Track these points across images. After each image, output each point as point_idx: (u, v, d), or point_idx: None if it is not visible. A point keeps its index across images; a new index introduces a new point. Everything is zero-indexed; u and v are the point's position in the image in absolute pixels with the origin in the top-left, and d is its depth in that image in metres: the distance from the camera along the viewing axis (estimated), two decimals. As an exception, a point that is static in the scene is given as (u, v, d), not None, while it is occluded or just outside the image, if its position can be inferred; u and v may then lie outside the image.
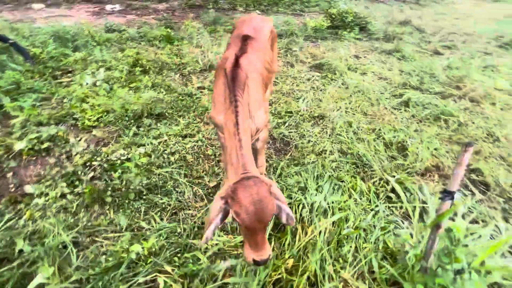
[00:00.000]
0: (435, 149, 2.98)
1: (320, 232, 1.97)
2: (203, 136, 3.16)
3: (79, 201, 2.25)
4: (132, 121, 3.30)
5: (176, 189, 2.46)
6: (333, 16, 7.30)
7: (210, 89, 4.19)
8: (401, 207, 2.34)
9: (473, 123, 3.49)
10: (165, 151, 2.88)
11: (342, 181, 2.53)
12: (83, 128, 3.18)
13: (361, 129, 3.35)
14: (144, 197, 2.34)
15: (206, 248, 1.95)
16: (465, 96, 4.10)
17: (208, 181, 2.57)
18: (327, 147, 3.02)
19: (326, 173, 2.59)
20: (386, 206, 2.33)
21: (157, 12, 9.44)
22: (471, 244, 1.77)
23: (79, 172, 2.52)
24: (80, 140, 2.97)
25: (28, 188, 2.33)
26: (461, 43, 6.46)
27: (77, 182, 2.43)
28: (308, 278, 1.73)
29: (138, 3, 10.41)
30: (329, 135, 3.26)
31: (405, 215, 2.30)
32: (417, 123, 3.53)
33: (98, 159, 2.70)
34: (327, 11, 7.57)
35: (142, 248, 1.83)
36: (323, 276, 1.76)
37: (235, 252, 1.93)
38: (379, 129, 3.33)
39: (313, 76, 4.73)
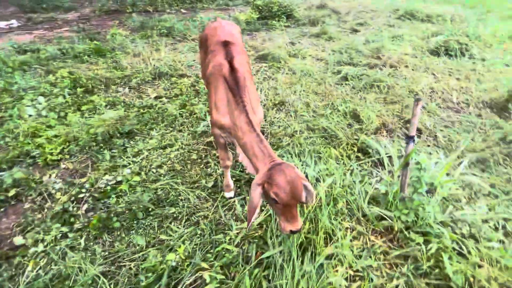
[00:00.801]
0: (378, 111, 3.67)
1: (320, 197, 2.36)
2: (182, 144, 3.24)
3: (84, 236, 2.18)
4: (102, 144, 3.15)
5: (179, 197, 2.55)
6: (260, 8, 7.72)
7: (169, 97, 4.18)
8: (370, 162, 2.90)
9: (397, 84, 4.33)
10: (152, 166, 2.89)
11: (320, 153, 2.97)
12: (47, 164, 2.92)
13: (318, 107, 3.85)
14: (152, 213, 2.38)
15: (230, 238, 2.16)
16: (385, 64, 4.99)
17: (206, 183, 2.72)
18: (296, 128, 3.43)
19: (305, 149, 3.00)
20: (357, 164, 2.85)
21: (69, 24, 8.46)
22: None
23: (70, 209, 2.38)
24: (50, 177, 2.74)
25: (18, 240, 2.13)
26: (370, 19, 7.61)
27: (72, 219, 2.31)
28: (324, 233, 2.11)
29: (41, 16, 9.10)
30: (294, 118, 3.68)
31: (374, 166, 2.87)
32: (358, 92, 4.21)
33: (84, 190, 2.57)
34: (253, 3, 7.95)
35: (177, 255, 1.94)
36: (332, 230, 2.16)
37: (256, 235, 2.19)
38: (332, 104, 3.88)
39: (261, 67, 5.07)
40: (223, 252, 2.03)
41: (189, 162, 2.99)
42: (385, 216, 2.25)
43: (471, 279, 1.81)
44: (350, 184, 2.58)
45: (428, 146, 3.16)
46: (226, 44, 2.21)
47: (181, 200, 2.52)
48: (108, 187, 2.60)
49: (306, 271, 1.81)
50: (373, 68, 4.89)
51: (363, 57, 5.29)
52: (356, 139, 3.16)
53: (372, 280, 1.88)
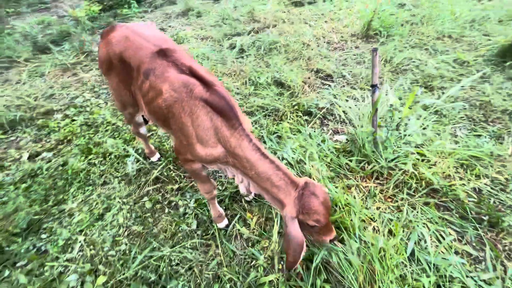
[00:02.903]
0: (291, 70, 3.80)
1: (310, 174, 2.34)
2: (121, 199, 2.48)
3: None
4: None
5: (173, 265, 2.00)
6: (100, -3, 6.29)
7: (51, 149, 3.02)
8: (317, 120, 3.05)
9: (289, 40, 4.56)
10: (104, 249, 2.11)
11: (276, 132, 2.89)
12: None
13: (239, 88, 3.65)
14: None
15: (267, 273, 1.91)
16: (267, 25, 5.12)
17: (188, 226, 2.23)
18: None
19: (262, 135, 2.85)
20: (320, 129, 2.96)
21: None
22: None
23: None
24: None
25: None
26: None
27: None
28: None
29: None
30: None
31: (322, 124, 3.04)
32: (262, 59, 4.21)
33: None
34: (87, -6, 6.37)
35: None
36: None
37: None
38: (249, 79, 3.76)
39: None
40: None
41: (148, 215, 2.35)
42: (364, 159, 2.48)
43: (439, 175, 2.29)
44: (321, 149, 2.67)
45: (343, 86, 3.58)
46: (166, 54, 1.62)
47: (177, 265, 1.99)
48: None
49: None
50: (259, 32, 4.94)
51: (243, 24, 5.24)
52: (295, 105, 3.22)
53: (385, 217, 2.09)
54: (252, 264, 1.94)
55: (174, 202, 2.42)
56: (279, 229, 2.04)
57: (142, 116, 2.34)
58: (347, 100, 3.17)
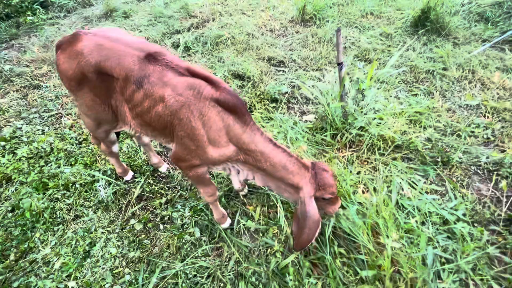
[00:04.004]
0: (244, 61, 3.84)
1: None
2: (105, 228, 2.24)
3: None
4: None
5: (192, 278, 1.92)
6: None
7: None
8: (284, 105, 3.19)
9: (234, 33, 4.56)
10: (106, 286, 1.90)
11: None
12: None
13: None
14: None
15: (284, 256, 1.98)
16: (207, 20, 5.00)
17: (191, 236, 2.15)
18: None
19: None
20: (288, 113, 3.09)
21: None
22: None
23: None
24: None
25: None
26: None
27: None
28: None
29: None
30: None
31: (288, 109, 3.20)
32: (211, 55, 4.14)
33: None
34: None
35: None
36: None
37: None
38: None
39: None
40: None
41: (142, 237, 2.18)
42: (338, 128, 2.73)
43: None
44: (296, 131, 2.82)
45: (296, 70, 3.80)
46: (156, 58, 1.48)
47: (195, 276, 1.92)
48: None
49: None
50: (199, 28, 4.80)
51: (180, 21, 5.02)
52: (260, 94, 3.30)
53: (371, 179, 2.38)
54: (268, 252, 2.00)
55: (167, 216, 2.29)
56: (284, 213, 2.14)
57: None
58: (309, 82, 3.39)
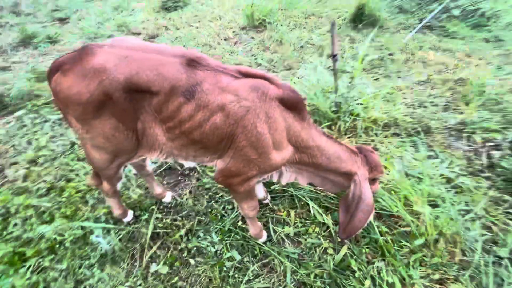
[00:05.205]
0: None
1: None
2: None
3: None
4: None
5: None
6: None
7: None
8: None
9: (188, 44, 4.37)
10: None
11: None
12: None
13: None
14: None
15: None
16: (154, 36, 4.67)
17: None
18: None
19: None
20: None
21: None
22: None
23: None
24: None
25: None
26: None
27: None
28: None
29: None
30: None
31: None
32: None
33: None
34: None
35: None
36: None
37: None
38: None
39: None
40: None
41: (175, 279, 1.87)
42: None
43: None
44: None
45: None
46: (200, 63, 1.30)
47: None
48: None
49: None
50: (155, 38, 4.48)
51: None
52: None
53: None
54: (319, 252, 1.93)
55: (194, 248, 2.02)
56: (319, 209, 2.11)
57: None
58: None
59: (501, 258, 1.84)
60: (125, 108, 1.26)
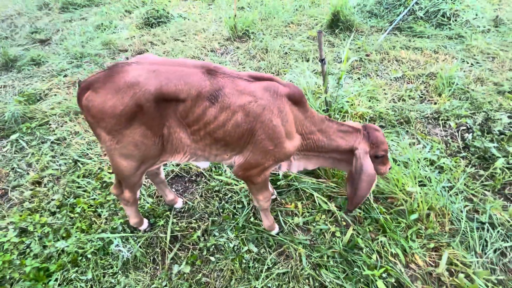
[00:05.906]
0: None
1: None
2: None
3: None
4: None
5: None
6: None
7: None
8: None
9: (177, 57, 4.50)
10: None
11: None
12: None
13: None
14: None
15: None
16: (141, 52, 4.77)
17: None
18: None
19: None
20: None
21: None
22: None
23: None
24: None
25: None
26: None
27: None
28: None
29: None
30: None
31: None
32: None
33: None
34: None
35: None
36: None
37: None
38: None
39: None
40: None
41: (199, 276, 1.99)
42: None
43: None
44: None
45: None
46: (217, 71, 1.48)
47: (279, 286, 1.87)
48: None
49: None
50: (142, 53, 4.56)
51: (110, 58, 4.64)
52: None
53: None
54: (327, 237, 2.12)
55: (213, 246, 2.14)
56: (323, 199, 2.31)
57: None
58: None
59: (483, 223, 2.12)
60: (153, 117, 1.41)
